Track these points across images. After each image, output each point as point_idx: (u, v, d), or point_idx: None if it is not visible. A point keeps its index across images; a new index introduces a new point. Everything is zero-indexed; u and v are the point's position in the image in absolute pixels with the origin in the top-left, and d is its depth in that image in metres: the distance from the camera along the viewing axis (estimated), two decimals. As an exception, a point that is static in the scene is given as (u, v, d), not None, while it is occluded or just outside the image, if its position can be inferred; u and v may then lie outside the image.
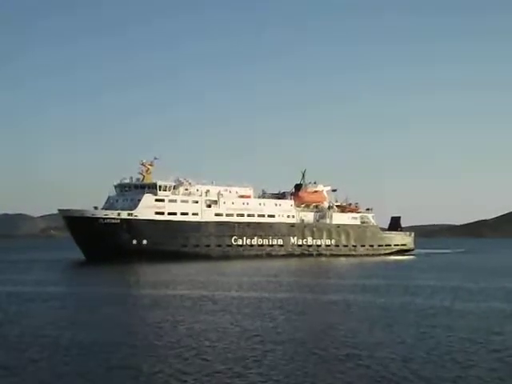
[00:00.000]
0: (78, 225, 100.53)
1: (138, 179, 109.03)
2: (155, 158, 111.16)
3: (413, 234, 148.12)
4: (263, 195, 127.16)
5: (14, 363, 23.00)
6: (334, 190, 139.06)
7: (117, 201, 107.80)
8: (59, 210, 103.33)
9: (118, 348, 25.96)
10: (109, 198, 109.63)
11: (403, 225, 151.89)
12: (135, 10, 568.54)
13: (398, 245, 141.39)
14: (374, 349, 25.74)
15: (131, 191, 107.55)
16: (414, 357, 24.31)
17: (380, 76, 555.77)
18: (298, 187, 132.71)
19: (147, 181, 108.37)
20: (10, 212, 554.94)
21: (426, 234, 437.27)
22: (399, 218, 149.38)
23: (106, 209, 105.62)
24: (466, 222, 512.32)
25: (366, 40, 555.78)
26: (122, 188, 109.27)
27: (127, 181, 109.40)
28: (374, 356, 24.32)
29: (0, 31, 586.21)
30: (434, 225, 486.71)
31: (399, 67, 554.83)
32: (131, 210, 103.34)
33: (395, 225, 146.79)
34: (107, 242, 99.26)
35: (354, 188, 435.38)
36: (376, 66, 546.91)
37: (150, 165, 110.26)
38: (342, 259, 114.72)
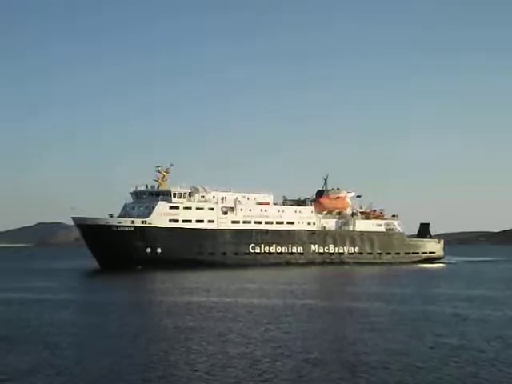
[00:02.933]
0: (92, 233, 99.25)
1: (152, 186, 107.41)
2: (171, 165, 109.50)
3: (442, 242, 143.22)
4: (284, 202, 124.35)
5: (45, 365, 24.23)
6: (359, 196, 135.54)
7: (133, 208, 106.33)
8: (72, 217, 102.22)
9: (137, 352, 26.83)
10: (125, 205, 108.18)
11: (437, 232, 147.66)
12: (136, 12, 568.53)
13: (426, 252, 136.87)
14: (391, 357, 25.65)
15: (146, 198, 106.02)
16: (427, 366, 24.10)
17: (411, 82, 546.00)
18: (320, 193, 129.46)
19: (163, 188, 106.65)
20: (47, 221, 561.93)
21: (461, 241, 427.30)
22: (428, 224, 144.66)
23: (121, 216, 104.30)
24: (503, 229, 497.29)
25: (390, 47, 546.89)
26: (137, 195, 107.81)
27: (142, 188, 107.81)
28: (390, 364, 24.26)
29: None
30: (469, 232, 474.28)
31: (426, 74, 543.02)
32: (146, 217, 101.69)
33: (424, 232, 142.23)
34: (121, 251, 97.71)
35: (382, 194, 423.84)
36: (403, 72, 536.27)
37: (166, 171, 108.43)
38: (366, 267, 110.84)
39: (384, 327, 34.01)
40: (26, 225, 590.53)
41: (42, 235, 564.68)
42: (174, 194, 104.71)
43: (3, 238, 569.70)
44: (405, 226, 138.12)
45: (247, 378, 22.16)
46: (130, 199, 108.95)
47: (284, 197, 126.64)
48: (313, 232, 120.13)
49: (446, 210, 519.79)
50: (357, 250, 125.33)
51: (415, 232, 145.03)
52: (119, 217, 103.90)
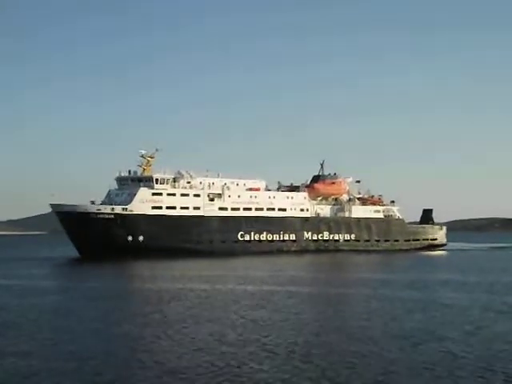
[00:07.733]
0: (71, 220, 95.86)
1: (135, 172, 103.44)
2: (156, 150, 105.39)
3: (445, 228, 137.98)
4: (279, 188, 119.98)
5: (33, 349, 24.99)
6: (358, 182, 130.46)
7: (116, 195, 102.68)
8: (51, 204, 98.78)
9: (122, 337, 27.61)
10: (109, 192, 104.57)
11: (447, 218, 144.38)
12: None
13: (427, 239, 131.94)
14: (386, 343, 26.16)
15: (129, 185, 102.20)
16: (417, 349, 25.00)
17: (428, 60, 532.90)
18: (315, 179, 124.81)
19: (147, 174, 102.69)
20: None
21: (474, 227, 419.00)
22: (431, 210, 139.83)
23: (105, 203, 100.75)
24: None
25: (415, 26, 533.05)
26: (121, 181, 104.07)
27: (125, 174, 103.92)
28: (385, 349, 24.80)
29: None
30: (483, 218, 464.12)
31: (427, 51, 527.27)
32: (128, 204, 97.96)
33: (427, 218, 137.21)
34: (101, 239, 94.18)
35: (384, 179, 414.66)
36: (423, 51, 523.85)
37: (151, 157, 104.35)
38: (361, 255, 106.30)
39: (367, 315, 34.13)
40: (41, 212, 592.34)
41: (55, 223, 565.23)
42: (157, 179, 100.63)
43: (18, 225, 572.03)
44: (408, 212, 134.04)
45: (231, 362, 22.56)
46: (115, 185, 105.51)
47: (279, 182, 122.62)
48: (306, 219, 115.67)
49: (457, 195, 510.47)
50: (353, 237, 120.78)
51: (418, 218, 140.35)
52: (102, 203, 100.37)
